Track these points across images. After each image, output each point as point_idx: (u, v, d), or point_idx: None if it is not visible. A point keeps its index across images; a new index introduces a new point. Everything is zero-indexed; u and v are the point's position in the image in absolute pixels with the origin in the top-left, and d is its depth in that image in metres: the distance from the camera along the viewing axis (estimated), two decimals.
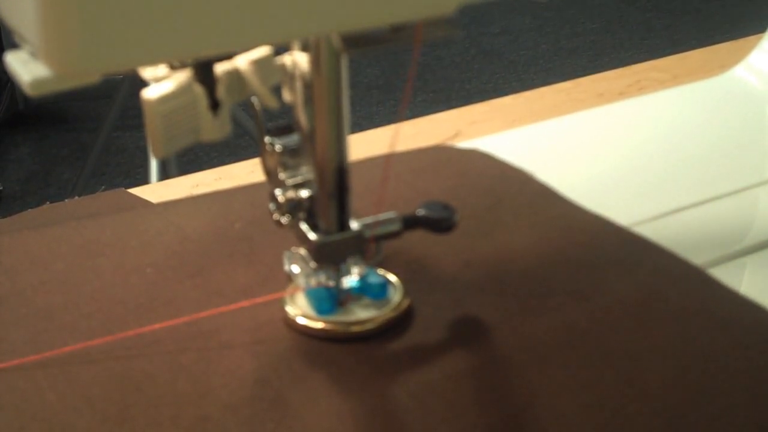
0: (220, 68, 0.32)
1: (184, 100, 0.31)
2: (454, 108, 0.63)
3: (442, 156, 0.51)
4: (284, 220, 0.36)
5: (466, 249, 0.42)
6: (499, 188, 0.47)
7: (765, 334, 0.36)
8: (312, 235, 0.36)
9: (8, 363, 0.34)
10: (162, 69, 0.32)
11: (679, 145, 0.55)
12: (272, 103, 0.34)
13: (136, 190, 0.51)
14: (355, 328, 0.36)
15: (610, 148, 0.55)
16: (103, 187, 0.53)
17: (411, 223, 0.37)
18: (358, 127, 0.53)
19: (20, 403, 0.33)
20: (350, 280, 0.37)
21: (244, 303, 0.37)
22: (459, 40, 2.50)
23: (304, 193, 0.36)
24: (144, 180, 1.54)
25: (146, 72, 0.32)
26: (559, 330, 0.36)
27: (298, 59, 0.34)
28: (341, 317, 0.36)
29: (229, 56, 0.33)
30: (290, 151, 0.36)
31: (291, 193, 0.36)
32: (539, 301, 0.38)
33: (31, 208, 0.47)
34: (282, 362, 0.35)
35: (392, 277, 0.38)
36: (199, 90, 0.31)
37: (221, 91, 0.32)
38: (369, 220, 0.36)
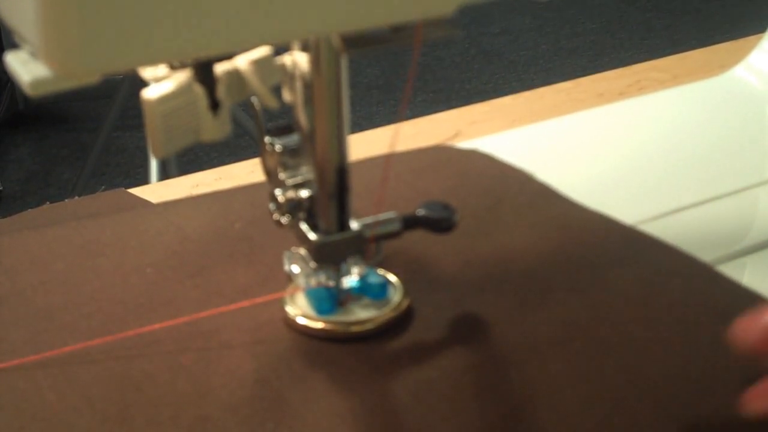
0: (220, 68, 0.32)
1: (184, 100, 0.31)
2: (454, 108, 0.63)
3: (442, 156, 0.51)
4: (284, 220, 0.36)
5: (466, 249, 0.42)
6: (499, 188, 0.47)
7: None
8: (312, 235, 0.36)
9: (8, 363, 0.34)
10: (162, 69, 0.32)
11: (679, 145, 0.55)
12: (272, 103, 0.34)
13: (136, 190, 0.51)
14: (355, 328, 0.36)
15: (610, 148, 0.55)
16: (103, 187, 0.53)
17: (411, 223, 0.37)
18: (358, 127, 0.53)
19: (20, 403, 0.33)
20: (350, 280, 0.37)
21: (244, 303, 0.37)
22: (459, 40, 2.50)
23: (304, 193, 0.36)
24: (144, 180, 1.54)
25: (146, 72, 0.32)
26: (560, 325, 0.36)
27: (298, 59, 0.34)
28: (341, 317, 0.36)
29: (229, 56, 0.33)
30: (290, 151, 0.36)
31: (291, 193, 0.36)
32: (539, 298, 0.38)
33: (31, 208, 0.47)
34: (282, 362, 0.35)
35: (392, 277, 0.38)
36: (199, 90, 0.31)
37: (221, 91, 0.32)
38: (369, 220, 0.36)
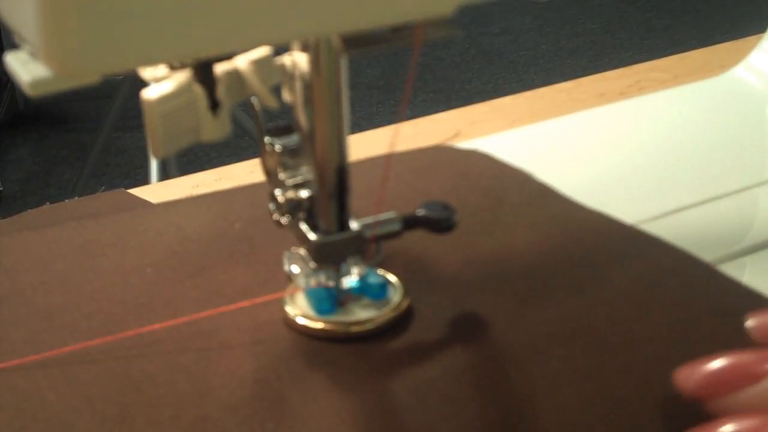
0: (220, 68, 0.32)
1: (184, 100, 0.31)
2: (454, 108, 0.63)
3: (442, 156, 0.51)
4: (284, 220, 0.36)
5: (466, 249, 0.42)
6: (499, 188, 0.47)
7: None
8: (312, 235, 0.36)
9: (8, 363, 0.34)
10: (162, 69, 0.32)
11: (679, 145, 0.55)
12: (272, 103, 0.34)
13: (136, 191, 0.51)
14: (355, 328, 0.36)
15: (611, 148, 0.55)
16: (103, 187, 0.53)
17: (411, 223, 0.37)
18: (358, 127, 0.54)
19: (20, 403, 0.33)
20: (350, 280, 0.37)
21: (244, 303, 0.37)
22: (459, 40, 2.50)
23: (304, 194, 0.36)
24: (144, 180, 1.54)
25: (146, 72, 0.32)
26: (559, 323, 0.36)
27: (298, 59, 0.34)
28: (341, 317, 0.36)
29: (229, 56, 0.33)
30: (290, 152, 0.36)
31: (291, 193, 0.36)
32: (539, 297, 0.38)
33: (31, 208, 0.47)
34: (282, 362, 0.35)
35: (392, 277, 0.38)
36: (198, 90, 0.32)
37: (221, 91, 0.32)
38: (369, 220, 0.36)
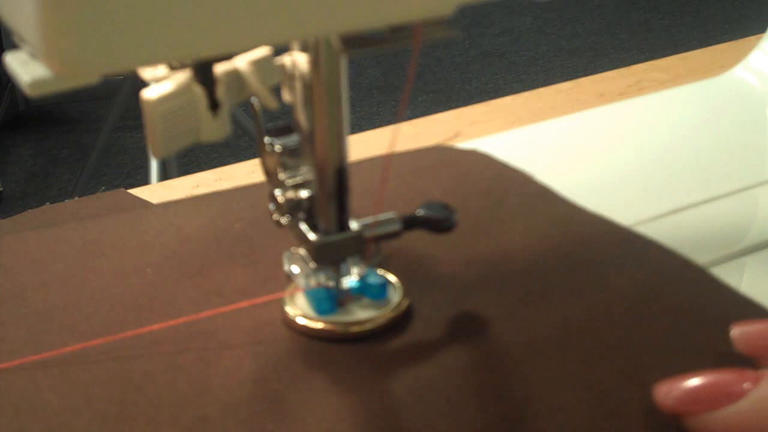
0: (220, 68, 0.32)
1: (183, 101, 0.31)
2: (454, 108, 0.63)
3: (442, 156, 0.51)
4: (284, 220, 0.36)
5: (465, 249, 0.42)
6: (498, 189, 0.47)
7: None
8: (312, 236, 0.36)
9: (8, 363, 0.34)
10: (162, 69, 0.32)
11: (679, 145, 0.55)
12: (272, 103, 0.34)
13: (136, 191, 0.51)
14: (355, 329, 0.36)
15: (610, 148, 0.55)
16: (103, 187, 0.53)
17: (411, 223, 0.37)
18: (359, 127, 0.54)
19: (20, 403, 0.33)
20: (350, 281, 0.37)
21: (244, 303, 0.37)
22: (459, 40, 2.50)
23: (304, 194, 0.36)
24: (144, 181, 1.54)
25: (146, 72, 0.32)
26: (558, 326, 0.36)
27: (298, 60, 0.34)
28: (341, 317, 0.36)
29: (228, 56, 0.33)
30: (290, 152, 0.36)
31: (291, 194, 0.36)
32: (538, 299, 0.38)
33: (32, 208, 0.47)
34: (281, 362, 0.35)
35: (392, 277, 0.38)
36: (198, 90, 0.32)
37: (221, 92, 0.32)
38: (369, 220, 0.36)
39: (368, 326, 0.36)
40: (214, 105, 0.32)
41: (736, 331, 0.32)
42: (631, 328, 0.36)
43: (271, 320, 0.37)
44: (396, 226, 0.37)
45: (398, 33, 0.30)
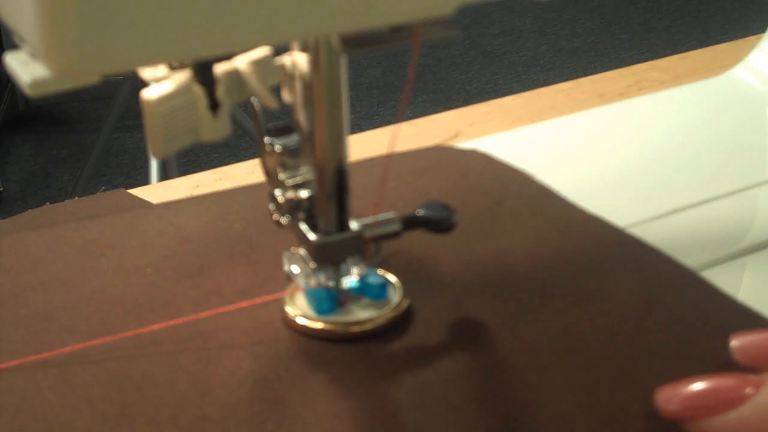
0: (220, 68, 0.32)
1: (183, 101, 0.31)
2: (454, 108, 0.63)
3: (442, 156, 0.51)
4: (284, 220, 0.36)
5: (465, 250, 0.42)
6: (499, 189, 0.47)
7: None
8: (311, 236, 0.36)
9: (8, 363, 0.34)
10: (162, 69, 0.32)
11: (679, 145, 0.55)
12: (272, 103, 0.34)
13: (136, 191, 0.51)
14: (355, 329, 0.36)
15: (610, 148, 0.55)
16: (103, 187, 0.53)
17: (411, 223, 0.37)
18: (358, 127, 0.54)
19: (20, 403, 0.33)
20: (350, 281, 0.37)
21: (244, 303, 0.37)
22: (459, 40, 2.50)
23: (304, 194, 0.36)
24: (144, 181, 1.54)
25: (146, 72, 0.32)
26: (559, 333, 0.36)
27: (298, 60, 0.34)
28: (341, 317, 0.36)
29: (228, 56, 0.33)
30: (290, 152, 0.36)
31: (291, 194, 0.36)
32: (538, 304, 0.38)
33: (32, 208, 0.47)
34: (281, 362, 0.35)
35: (392, 278, 0.38)
36: (198, 90, 0.32)
37: (221, 92, 0.32)
38: (369, 220, 0.36)
39: (368, 326, 0.36)
40: (214, 105, 0.32)
41: (736, 342, 0.32)
42: (630, 334, 0.36)
43: (271, 320, 0.37)
44: (396, 226, 0.37)
45: (398, 33, 0.30)
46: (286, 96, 0.36)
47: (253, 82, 0.33)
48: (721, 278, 0.40)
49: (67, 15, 0.23)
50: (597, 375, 0.34)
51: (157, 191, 0.52)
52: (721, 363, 0.34)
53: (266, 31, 0.25)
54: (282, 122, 0.36)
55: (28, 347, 0.35)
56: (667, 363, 0.34)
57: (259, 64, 0.33)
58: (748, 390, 0.29)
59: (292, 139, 0.36)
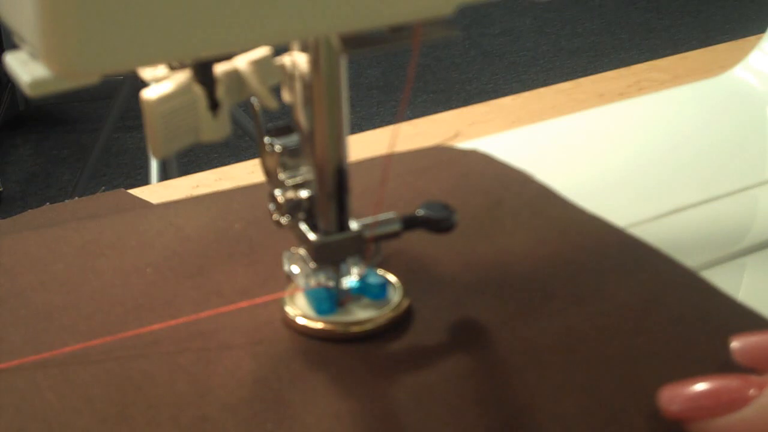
0: (220, 69, 0.32)
1: (183, 101, 0.31)
2: (454, 108, 0.63)
3: (442, 156, 0.51)
4: (284, 220, 0.36)
5: (466, 250, 0.42)
6: (499, 189, 0.47)
7: None
8: (311, 236, 0.36)
9: (8, 363, 0.34)
10: (161, 69, 0.32)
11: (679, 145, 0.55)
12: (272, 103, 0.34)
13: (136, 191, 0.51)
14: (355, 329, 0.36)
15: (610, 148, 0.55)
16: (103, 188, 0.53)
17: (411, 223, 0.37)
18: (358, 127, 0.54)
19: (20, 403, 0.33)
20: (350, 281, 0.37)
21: (244, 303, 0.37)
22: (459, 40, 2.50)
23: (304, 194, 0.36)
24: (144, 181, 1.54)
25: (146, 72, 0.32)
26: (559, 333, 0.36)
27: (298, 60, 0.34)
28: (341, 317, 0.36)
29: (228, 56, 0.33)
30: (290, 152, 0.36)
31: (291, 194, 0.36)
32: (539, 305, 0.38)
33: (32, 208, 0.47)
34: (281, 362, 0.35)
35: (392, 278, 0.38)
36: (198, 90, 0.32)
37: (221, 92, 0.32)
38: (369, 220, 0.36)
39: (368, 326, 0.36)
40: (214, 105, 0.32)
41: (737, 344, 0.32)
42: (631, 336, 0.36)
43: (271, 320, 0.37)
44: (396, 226, 0.37)
45: (398, 33, 0.30)
46: (286, 96, 0.36)
47: (253, 82, 0.33)
48: (721, 278, 0.40)
49: (67, 15, 0.23)
50: (597, 375, 0.34)
51: (157, 191, 0.52)
52: (721, 363, 0.34)
53: (266, 31, 0.25)
54: (282, 122, 0.36)
55: (28, 347, 0.35)
56: (667, 363, 0.34)
57: (259, 64, 0.33)
58: (752, 392, 0.29)
59: (292, 139, 0.36)
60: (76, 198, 0.49)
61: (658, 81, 0.66)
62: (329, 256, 0.36)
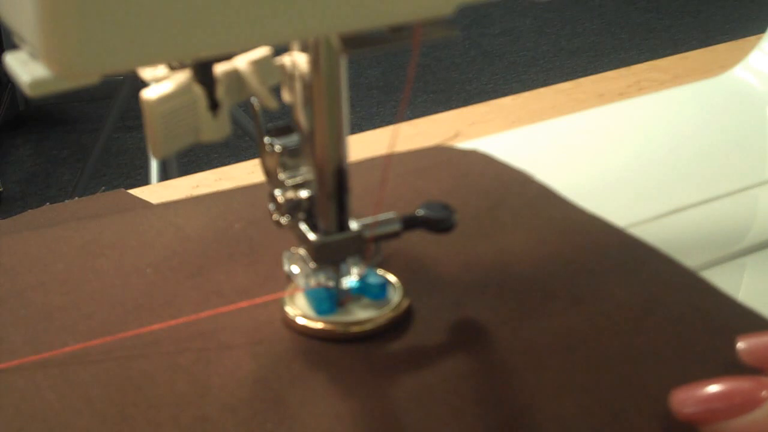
0: (220, 69, 0.32)
1: (183, 101, 0.31)
2: (454, 108, 0.63)
3: (442, 156, 0.51)
4: (284, 220, 0.36)
5: (466, 250, 0.42)
6: (499, 189, 0.47)
7: None
8: (311, 236, 0.36)
9: (8, 363, 0.34)
10: (161, 69, 0.32)
11: (679, 145, 0.55)
12: (272, 103, 0.34)
13: (136, 191, 0.51)
14: (355, 329, 0.36)
15: (610, 148, 0.55)
16: (103, 187, 0.53)
17: (411, 223, 0.37)
18: (358, 127, 0.54)
19: (20, 404, 0.33)
20: (350, 281, 0.37)
21: (244, 303, 0.37)
22: (459, 40, 2.50)
23: (304, 194, 0.36)
24: (144, 181, 1.54)
25: (146, 72, 0.32)
26: (559, 334, 0.36)
27: (298, 60, 0.34)
28: (341, 318, 0.36)
29: (228, 56, 0.33)
30: (290, 152, 0.36)
31: (290, 194, 0.36)
32: (538, 305, 0.38)
33: (32, 208, 0.47)
34: (281, 363, 0.35)
35: (392, 278, 0.38)
36: (198, 90, 0.32)
37: (221, 92, 0.32)
38: (368, 220, 0.36)
39: (368, 326, 0.36)
40: (214, 105, 0.32)
41: (742, 344, 0.31)
42: (631, 336, 0.36)
43: (271, 320, 0.37)
44: (396, 226, 0.37)
45: (398, 33, 0.30)
46: (286, 96, 0.36)
47: (253, 82, 0.33)
48: (721, 278, 0.40)
49: (67, 15, 0.23)
50: (597, 375, 0.34)
51: (157, 191, 0.52)
52: (721, 363, 0.34)
53: (266, 31, 0.25)
54: (282, 122, 0.36)
55: (28, 347, 0.35)
56: (667, 363, 0.34)
57: (259, 64, 0.33)
58: (764, 393, 0.29)
59: (292, 139, 0.36)
60: (76, 198, 0.49)
61: (658, 81, 0.66)
62: (329, 256, 0.36)
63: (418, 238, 0.38)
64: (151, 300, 0.38)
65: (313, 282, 0.36)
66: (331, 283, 0.36)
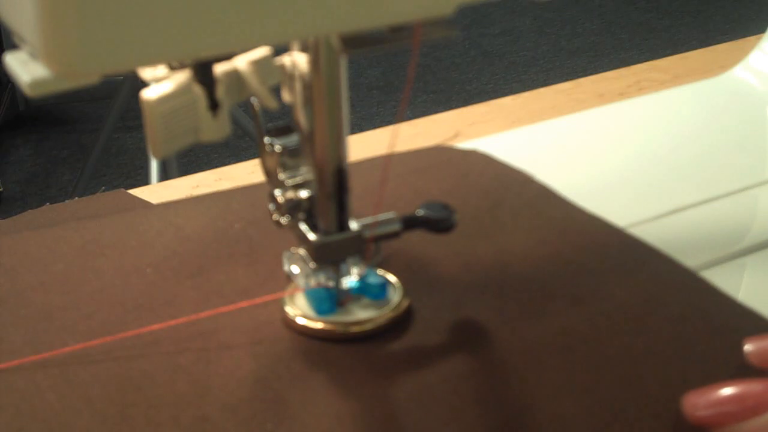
0: (220, 69, 0.32)
1: (183, 101, 0.31)
2: (454, 108, 0.63)
3: (442, 156, 0.51)
4: (284, 220, 0.36)
5: (465, 250, 0.42)
6: (498, 189, 0.47)
7: None
8: (311, 236, 0.36)
9: (8, 363, 0.34)
10: (161, 69, 0.32)
11: (679, 145, 0.55)
12: (271, 103, 0.34)
13: (136, 191, 0.51)
14: (355, 329, 0.36)
15: (610, 148, 0.55)
16: (103, 187, 0.53)
17: (410, 223, 0.37)
18: (358, 127, 0.54)
19: (20, 404, 0.33)
20: (350, 281, 0.37)
21: (244, 303, 0.37)
22: (459, 40, 2.50)
23: (304, 194, 0.36)
24: (144, 181, 1.54)
25: (146, 72, 0.32)
26: (559, 334, 0.36)
27: (298, 60, 0.34)
28: (340, 318, 0.36)
29: (228, 56, 0.33)
30: (290, 152, 0.36)
31: (290, 194, 0.36)
32: (539, 305, 0.38)
33: (32, 208, 0.47)
34: (281, 363, 0.35)
35: (392, 278, 0.38)
36: (198, 90, 0.32)
37: (221, 92, 0.32)
38: (369, 220, 0.36)
39: (368, 326, 0.36)
40: (214, 105, 0.32)
41: (750, 346, 0.32)
42: (631, 336, 0.36)
43: (271, 320, 0.37)
44: (396, 226, 0.37)
45: (398, 33, 0.30)
46: (286, 96, 0.36)
47: (253, 82, 0.33)
48: (721, 278, 0.40)
49: (67, 15, 0.23)
50: (597, 375, 0.34)
51: (157, 191, 0.52)
52: (721, 363, 0.34)
53: (266, 31, 0.25)
54: (282, 122, 0.36)
55: (28, 347, 0.35)
56: (667, 363, 0.34)
57: (259, 64, 0.33)
58: None
59: (292, 139, 0.36)
60: (76, 198, 0.49)
61: (658, 81, 0.66)
62: (329, 256, 0.36)
63: (418, 238, 0.38)
64: (151, 300, 0.38)
65: (313, 282, 0.36)
66: (331, 283, 0.36)
